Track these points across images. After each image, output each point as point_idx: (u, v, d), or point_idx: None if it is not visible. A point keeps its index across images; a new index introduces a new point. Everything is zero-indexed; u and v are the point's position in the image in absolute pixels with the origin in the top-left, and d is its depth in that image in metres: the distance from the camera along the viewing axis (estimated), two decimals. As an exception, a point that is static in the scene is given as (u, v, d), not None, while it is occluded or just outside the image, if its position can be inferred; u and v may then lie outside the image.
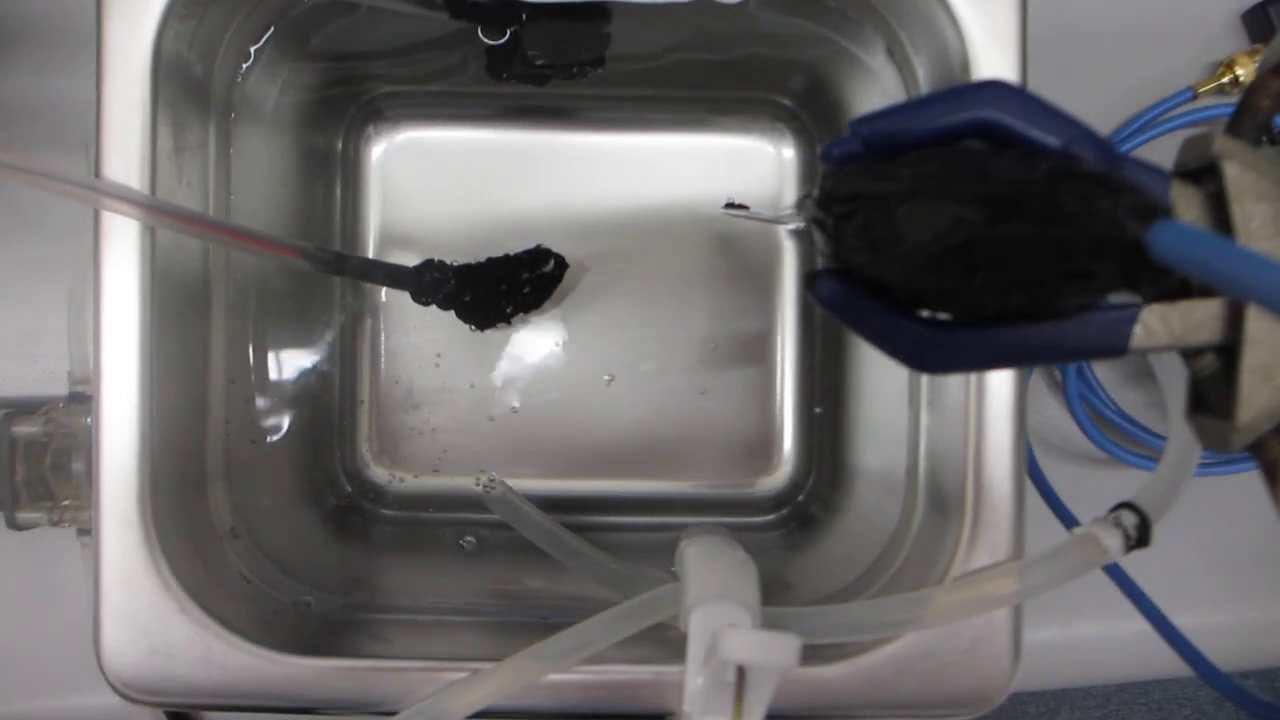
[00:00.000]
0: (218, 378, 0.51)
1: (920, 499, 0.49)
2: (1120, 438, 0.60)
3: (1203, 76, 0.61)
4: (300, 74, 0.56)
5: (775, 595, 0.45)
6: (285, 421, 0.57)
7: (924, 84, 0.48)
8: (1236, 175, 0.30)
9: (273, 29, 0.51)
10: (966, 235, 0.28)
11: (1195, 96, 0.60)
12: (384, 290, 0.62)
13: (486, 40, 0.54)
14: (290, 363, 0.57)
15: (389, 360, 0.63)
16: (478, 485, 0.52)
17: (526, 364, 0.63)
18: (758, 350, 0.63)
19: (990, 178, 0.29)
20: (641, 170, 0.62)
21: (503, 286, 0.59)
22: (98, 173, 0.44)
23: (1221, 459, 0.58)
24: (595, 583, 0.49)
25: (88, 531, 0.55)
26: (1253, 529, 0.64)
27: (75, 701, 0.62)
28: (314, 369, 0.60)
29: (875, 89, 0.54)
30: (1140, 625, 0.51)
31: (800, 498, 0.63)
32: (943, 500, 0.47)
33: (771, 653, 0.35)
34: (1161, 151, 0.59)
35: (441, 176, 0.62)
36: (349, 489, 0.62)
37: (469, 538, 0.58)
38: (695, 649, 0.38)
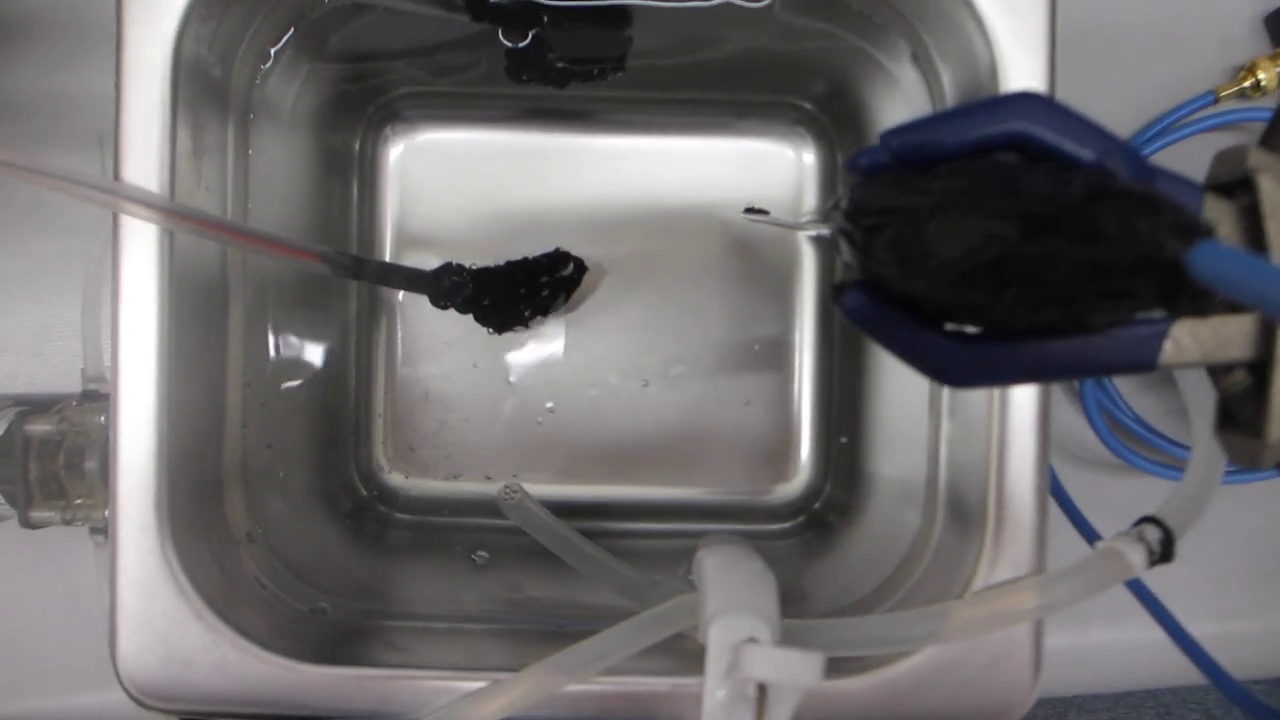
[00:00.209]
0: (235, 380, 0.51)
1: (940, 510, 0.49)
2: (1138, 445, 0.60)
3: (1224, 80, 0.61)
4: (319, 75, 0.56)
5: (792, 604, 0.45)
6: (301, 424, 0.57)
7: (949, 90, 0.48)
8: (1271, 190, 0.30)
9: (292, 30, 0.51)
10: (999, 251, 0.28)
11: (1216, 100, 0.60)
12: (401, 293, 0.62)
13: (507, 42, 0.54)
14: (307, 365, 0.57)
15: (405, 363, 0.62)
16: (498, 492, 0.52)
17: (541, 368, 0.62)
18: (775, 356, 0.63)
19: (1024, 193, 0.28)
20: (661, 173, 0.62)
21: (521, 290, 0.58)
22: (117, 176, 0.43)
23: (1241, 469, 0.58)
24: (612, 591, 0.49)
25: (101, 530, 0.55)
26: (1267, 538, 0.64)
27: (87, 699, 0.62)
28: (330, 371, 0.59)
29: (898, 94, 0.53)
30: (1153, 632, 0.51)
31: (817, 505, 0.63)
32: (963, 512, 0.47)
33: (795, 671, 0.35)
34: (1182, 155, 0.58)
35: (459, 178, 0.62)
36: (364, 492, 0.62)
37: (481, 552, 0.58)
38: (714, 661, 0.38)
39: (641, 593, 0.47)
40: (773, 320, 0.63)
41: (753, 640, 0.37)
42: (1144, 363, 0.30)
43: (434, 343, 0.62)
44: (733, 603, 0.39)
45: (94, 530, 0.56)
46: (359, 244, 0.61)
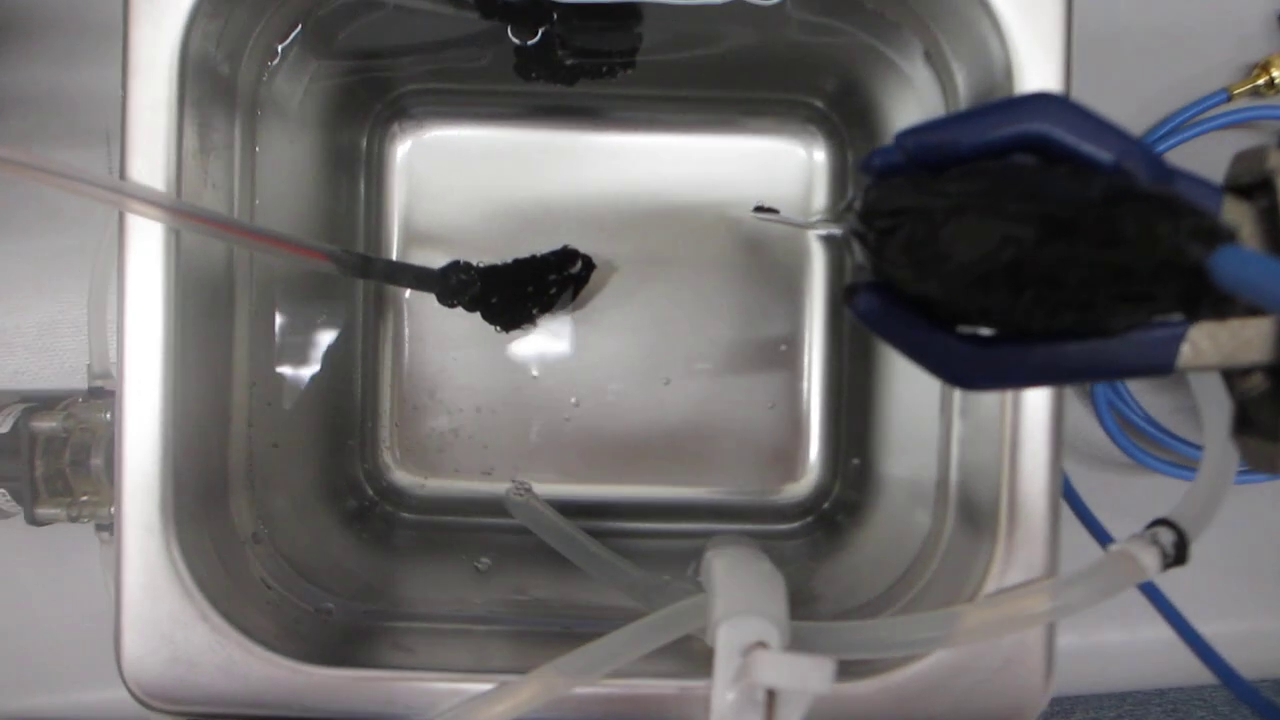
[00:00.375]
0: (240, 379, 0.51)
1: (951, 511, 0.48)
2: (1148, 444, 0.60)
3: (1238, 78, 0.61)
4: (326, 72, 0.55)
5: (801, 605, 0.44)
6: (307, 423, 0.57)
7: (963, 89, 0.47)
8: (1291, 192, 0.30)
9: (300, 26, 0.51)
10: (1015, 254, 0.28)
11: (1230, 98, 0.59)
12: (408, 291, 0.62)
13: (516, 40, 0.54)
14: (312, 364, 0.57)
15: (412, 361, 0.62)
16: (506, 492, 0.51)
17: (548, 366, 0.62)
18: (785, 355, 0.62)
19: (1042, 196, 0.28)
20: (670, 171, 0.62)
21: (529, 288, 0.58)
22: (123, 173, 0.43)
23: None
24: (619, 592, 0.48)
25: (107, 527, 0.54)
26: (1273, 538, 0.63)
27: (94, 696, 0.62)
28: (336, 370, 0.59)
29: (910, 93, 0.53)
30: (1162, 631, 0.51)
31: (826, 505, 0.62)
32: (974, 513, 0.46)
33: (805, 677, 0.35)
34: (1196, 153, 0.58)
35: (467, 175, 0.62)
36: (370, 492, 0.62)
37: (484, 559, 0.58)
38: (723, 664, 0.38)
39: (649, 594, 0.47)
40: (782, 319, 0.62)
41: (762, 644, 0.37)
42: (1161, 366, 0.30)
43: (441, 341, 0.62)
44: (742, 605, 0.39)
45: (100, 527, 0.56)
46: (366, 242, 0.61)
